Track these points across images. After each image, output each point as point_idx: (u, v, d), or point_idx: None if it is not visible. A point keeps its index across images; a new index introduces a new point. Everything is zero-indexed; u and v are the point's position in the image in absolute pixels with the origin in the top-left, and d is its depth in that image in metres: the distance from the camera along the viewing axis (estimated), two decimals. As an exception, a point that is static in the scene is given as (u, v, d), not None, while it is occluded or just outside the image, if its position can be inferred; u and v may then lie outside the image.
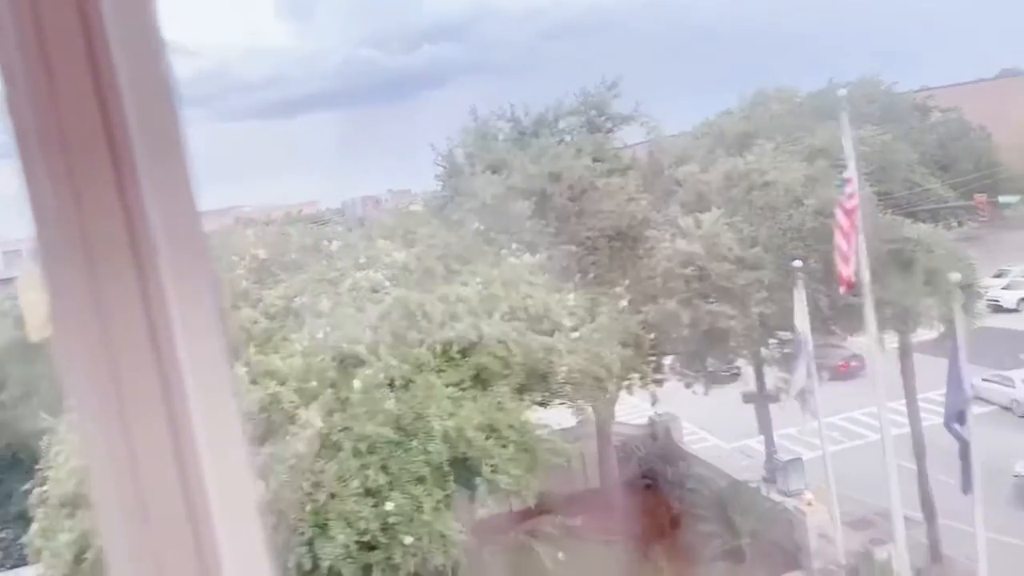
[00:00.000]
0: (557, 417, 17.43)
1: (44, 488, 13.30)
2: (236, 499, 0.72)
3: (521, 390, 15.15)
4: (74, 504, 12.84)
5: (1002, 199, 37.43)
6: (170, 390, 0.68)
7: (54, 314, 0.67)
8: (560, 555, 14.99)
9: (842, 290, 16.08)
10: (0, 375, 21.08)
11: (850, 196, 15.03)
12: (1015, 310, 36.63)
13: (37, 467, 14.29)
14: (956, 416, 14.85)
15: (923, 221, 24.23)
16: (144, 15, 0.63)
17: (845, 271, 15.19)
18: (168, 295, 0.66)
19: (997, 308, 33.81)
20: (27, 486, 14.21)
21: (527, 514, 16.26)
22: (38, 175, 0.64)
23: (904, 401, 21.05)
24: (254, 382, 13.15)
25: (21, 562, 16.08)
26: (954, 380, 15.18)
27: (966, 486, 14.75)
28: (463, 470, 13.78)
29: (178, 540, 0.70)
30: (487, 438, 13.24)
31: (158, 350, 0.67)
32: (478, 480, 13.55)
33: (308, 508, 11.98)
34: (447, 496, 13.35)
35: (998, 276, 37.05)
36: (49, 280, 0.66)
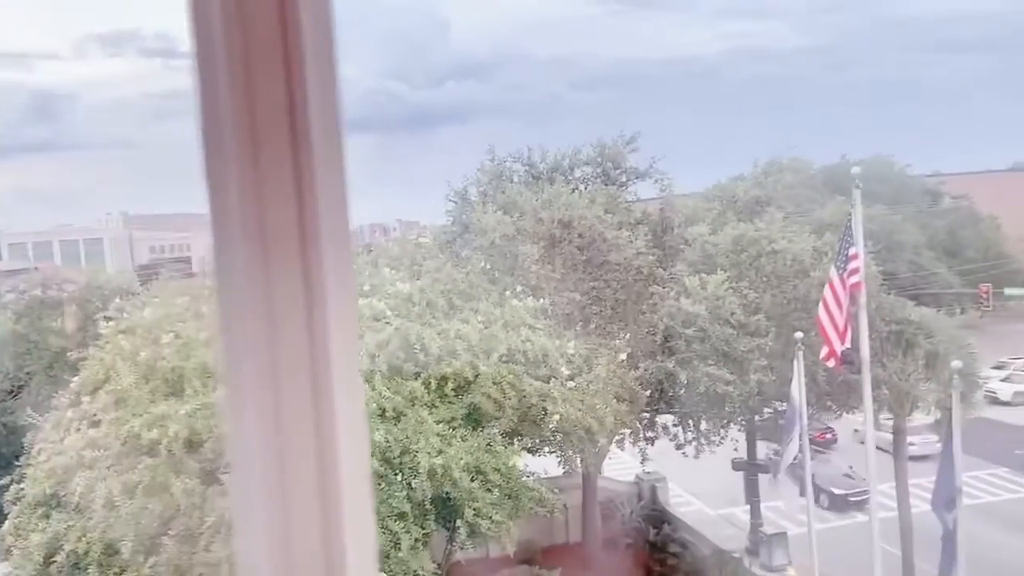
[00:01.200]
0: (544, 465, 17.25)
1: (21, 486, 13.13)
2: (358, 493, 0.75)
3: (512, 434, 15.01)
4: (49, 505, 12.67)
5: (1008, 291, 37.55)
6: (319, 385, 0.71)
7: (221, 295, 0.70)
8: (535, 607, 14.71)
9: (830, 365, 16.02)
10: (-9, 367, 20.95)
11: (853, 272, 15.05)
12: (1010, 403, 36.42)
13: (17, 464, 14.14)
14: (945, 503, 14.67)
15: (926, 305, 24.28)
16: (329, 23, 0.69)
17: (836, 346, 15.13)
18: (327, 286, 0.69)
19: (993, 400, 33.64)
20: (3, 482, 14.03)
21: (505, 561, 16.00)
22: (224, 164, 0.67)
23: (894, 484, 20.86)
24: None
25: (-13, 559, 15.79)
26: (946, 467, 15.03)
27: (944, 573, 14.47)
28: (445, 510, 13.58)
29: (308, 525, 0.73)
30: (473, 480, 13.07)
31: (313, 338, 0.69)
32: (459, 522, 13.35)
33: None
34: (426, 535, 13.14)
35: (997, 368, 36.91)
36: (220, 265, 0.69)
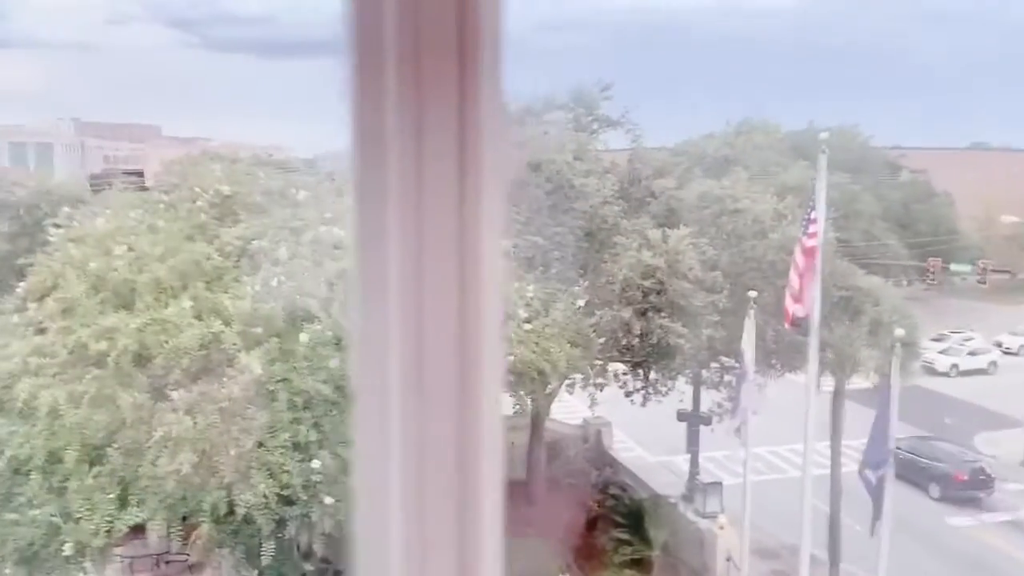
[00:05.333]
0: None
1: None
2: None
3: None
4: (-9, 409, 12.47)
5: (954, 266, 38.67)
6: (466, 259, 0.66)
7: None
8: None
9: (786, 326, 16.49)
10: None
11: (811, 236, 15.32)
12: (947, 375, 37.90)
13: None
14: (873, 465, 15.28)
15: (875, 274, 24.87)
16: None
17: (792, 307, 15.51)
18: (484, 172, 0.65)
19: (930, 371, 34.98)
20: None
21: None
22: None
23: (828, 443, 21.66)
24: (198, 317, 12.90)
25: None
26: (878, 431, 15.61)
27: (875, 529, 15.14)
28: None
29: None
30: (424, 413, 13.19)
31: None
32: (408, 452, 13.50)
33: (233, 453, 11.81)
34: (375, 463, 13.28)
35: (936, 340, 38.26)
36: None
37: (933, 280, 37.00)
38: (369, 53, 0.63)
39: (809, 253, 15.25)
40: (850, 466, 21.20)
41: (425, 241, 0.65)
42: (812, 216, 15.37)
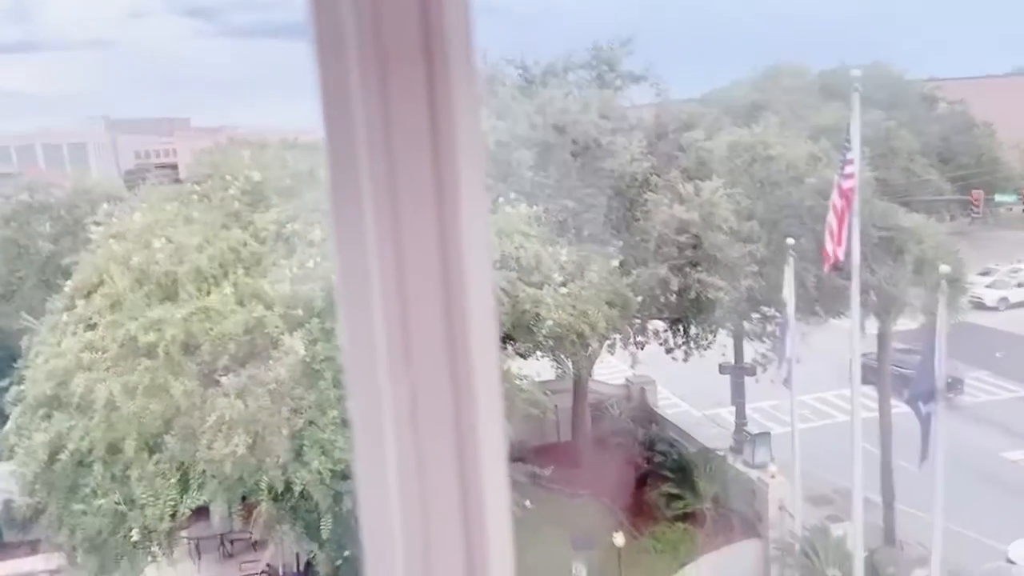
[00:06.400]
0: (537, 368, 17.57)
1: (21, 387, 13.31)
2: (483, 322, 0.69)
3: (505, 339, 15.20)
4: (50, 405, 12.90)
5: (998, 197, 37.59)
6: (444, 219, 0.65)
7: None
8: (528, 503, 15.27)
9: (826, 268, 16.26)
10: (-18, 272, 20.89)
11: (848, 176, 15.00)
12: (995, 309, 37.08)
13: (14, 366, 14.30)
14: (922, 396, 15.01)
15: (917, 211, 24.26)
16: None
17: (832, 249, 15.28)
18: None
19: (978, 305, 34.22)
20: (4, 384, 14.24)
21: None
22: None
23: (876, 386, 21.42)
24: (240, 303, 13.13)
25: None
26: (926, 366, 15.32)
27: (923, 459, 14.90)
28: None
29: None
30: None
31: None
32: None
33: (285, 432, 12.08)
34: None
35: (983, 274, 37.37)
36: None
37: (977, 213, 36.02)
38: (330, 39, 0.63)
39: (846, 195, 14.96)
40: (900, 407, 20.99)
41: (404, 232, 0.65)
42: (848, 157, 15.04)
